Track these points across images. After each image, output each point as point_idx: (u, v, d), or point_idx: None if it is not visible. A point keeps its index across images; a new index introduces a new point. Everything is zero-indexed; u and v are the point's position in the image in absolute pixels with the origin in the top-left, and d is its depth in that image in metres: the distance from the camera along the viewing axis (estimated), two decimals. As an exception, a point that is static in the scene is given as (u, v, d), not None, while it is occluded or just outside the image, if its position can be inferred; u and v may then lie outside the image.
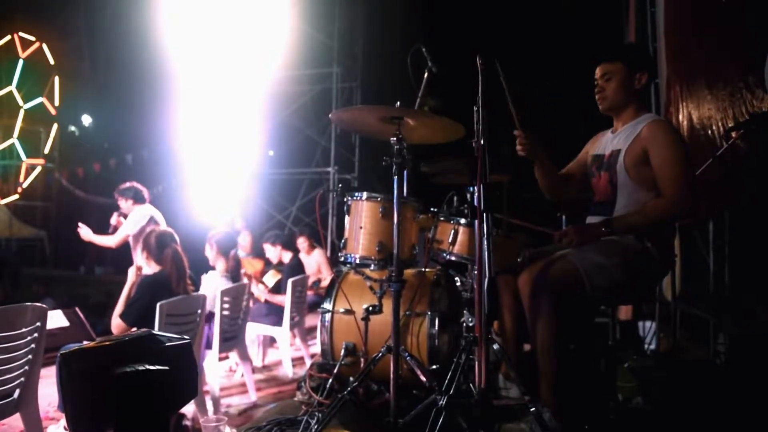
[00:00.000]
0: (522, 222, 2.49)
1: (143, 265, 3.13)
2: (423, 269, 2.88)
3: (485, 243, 1.71)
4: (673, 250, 2.38)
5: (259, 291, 4.49)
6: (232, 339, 3.47)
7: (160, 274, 2.96)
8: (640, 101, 2.36)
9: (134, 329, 2.75)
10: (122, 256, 4.38)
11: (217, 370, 3.25)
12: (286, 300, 4.21)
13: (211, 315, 3.31)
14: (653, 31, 4.87)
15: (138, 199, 4.90)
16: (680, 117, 4.10)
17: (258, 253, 5.85)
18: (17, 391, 2.15)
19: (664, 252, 2.25)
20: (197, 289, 3.29)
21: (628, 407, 2.64)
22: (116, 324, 2.84)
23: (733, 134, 2.94)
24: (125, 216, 4.94)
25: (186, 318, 2.85)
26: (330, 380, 2.69)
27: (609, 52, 2.37)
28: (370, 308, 2.56)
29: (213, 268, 3.99)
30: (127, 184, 4.96)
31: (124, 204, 4.90)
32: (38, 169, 12.76)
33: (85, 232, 4.84)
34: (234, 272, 4.03)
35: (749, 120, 2.94)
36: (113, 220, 4.94)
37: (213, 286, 3.79)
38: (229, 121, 8.25)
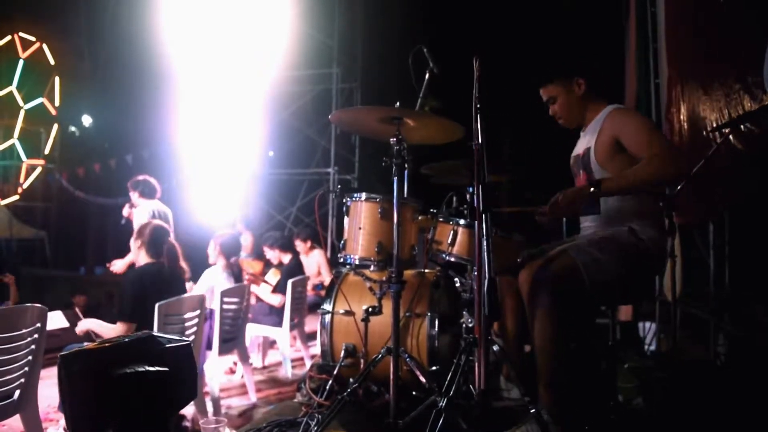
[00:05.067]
0: (517, 208, 2.47)
1: (134, 254, 3.10)
2: (422, 270, 2.88)
3: (485, 244, 1.71)
4: (665, 243, 2.38)
5: (262, 291, 4.50)
6: (232, 340, 3.47)
7: (150, 267, 2.98)
8: (594, 99, 2.40)
9: (135, 325, 2.76)
10: (122, 256, 4.37)
11: (217, 371, 3.25)
12: (285, 301, 4.21)
13: (212, 312, 3.31)
14: (653, 31, 4.87)
15: (144, 193, 4.88)
16: (681, 117, 4.10)
17: (258, 253, 5.85)
18: (17, 392, 2.15)
19: (657, 244, 2.26)
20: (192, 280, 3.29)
21: (628, 408, 2.64)
22: (119, 329, 2.78)
23: (720, 133, 2.94)
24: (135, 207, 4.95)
25: (185, 319, 2.85)
26: (330, 381, 2.69)
27: (539, 79, 2.43)
28: (370, 309, 2.57)
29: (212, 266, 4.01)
30: (139, 177, 4.97)
31: (133, 196, 4.92)
32: (38, 169, 12.74)
33: (117, 266, 4.64)
34: (236, 274, 4.03)
35: (738, 119, 2.94)
36: (125, 212, 4.97)
37: (213, 281, 3.80)
38: (229, 121, 8.25)
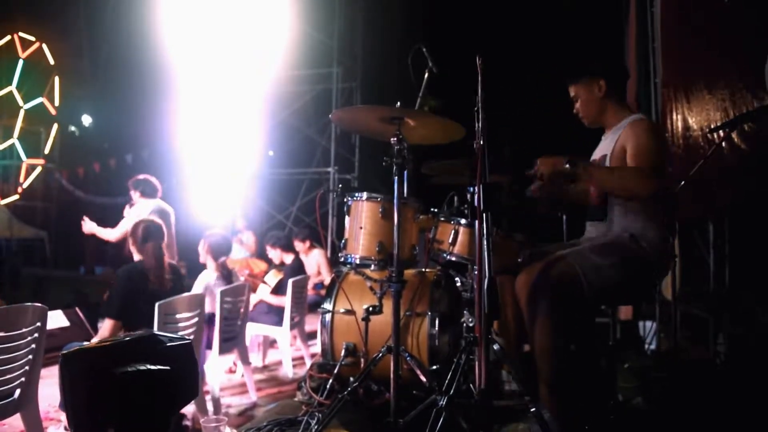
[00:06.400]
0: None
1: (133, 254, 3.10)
2: (423, 269, 2.88)
3: (485, 243, 1.71)
4: (668, 250, 2.38)
5: (261, 292, 4.49)
6: (233, 339, 3.47)
7: (137, 265, 2.96)
8: (616, 104, 2.41)
9: (120, 322, 2.75)
10: (122, 255, 4.36)
11: (217, 370, 3.25)
12: (286, 301, 4.21)
13: (210, 315, 3.31)
14: (653, 31, 4.87)
15: (146, 192, 4.88)
16: (675, 117, 4.10)
17: (262, 253, 5.85)
18: (18, 391, 2.15)
19: (659, 252, 2.26)
20: (184, 285, 3.25)
21: (628, 407, 2.65)
22: (104, 325, 2.80)
23: (721, 133, 2.94)
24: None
25: (185, 318, 2.85)
26: (330, 380, 2.70)
27: (565, 78, 2.46)
28: (371, 308, 2.57)
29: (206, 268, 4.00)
30: (140, 176, 4.98)
31: (134, 195, 4.92)
32: (38, 169, 12.75)
33: (88, 225, 4.88)
34: (226, 275, 4.02)
35: (738, 118, 2.94)
36: (126, 213, 4.96)
37: (205, 282, 3.79)
38: (229, 121, 8.25)
